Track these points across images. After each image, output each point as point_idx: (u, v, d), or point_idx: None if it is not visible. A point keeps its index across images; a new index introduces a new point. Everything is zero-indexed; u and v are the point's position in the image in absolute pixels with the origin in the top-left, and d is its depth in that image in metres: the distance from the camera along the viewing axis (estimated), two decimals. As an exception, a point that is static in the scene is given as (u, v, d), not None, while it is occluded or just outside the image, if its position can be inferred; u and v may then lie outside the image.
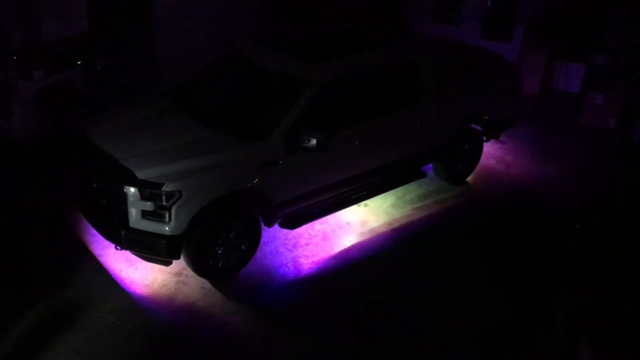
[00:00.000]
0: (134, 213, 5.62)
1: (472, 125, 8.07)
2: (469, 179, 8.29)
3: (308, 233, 6.95)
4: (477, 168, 8.36)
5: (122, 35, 8.91)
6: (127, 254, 6.21)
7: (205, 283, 6.15)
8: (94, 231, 6.26)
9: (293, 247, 6.75)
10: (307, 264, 6.53)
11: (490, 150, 8.96)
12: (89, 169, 6.06)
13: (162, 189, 5.49)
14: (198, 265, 5.98)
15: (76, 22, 7.99)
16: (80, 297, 5.89)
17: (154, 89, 8.76)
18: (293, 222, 6.55)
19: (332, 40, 7.22)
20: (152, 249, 5.74)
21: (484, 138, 8.19)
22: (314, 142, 5.94)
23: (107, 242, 6.14)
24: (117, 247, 5.90)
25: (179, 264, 6.17)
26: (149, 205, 5.56)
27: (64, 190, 7.02)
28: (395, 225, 7.29)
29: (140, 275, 6.20)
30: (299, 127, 6.02)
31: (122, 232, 5.70)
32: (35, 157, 7.94)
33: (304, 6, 11.33)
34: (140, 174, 5.58)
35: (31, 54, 7.71)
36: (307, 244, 6.80)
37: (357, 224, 7.22)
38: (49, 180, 7.53)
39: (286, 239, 6.83)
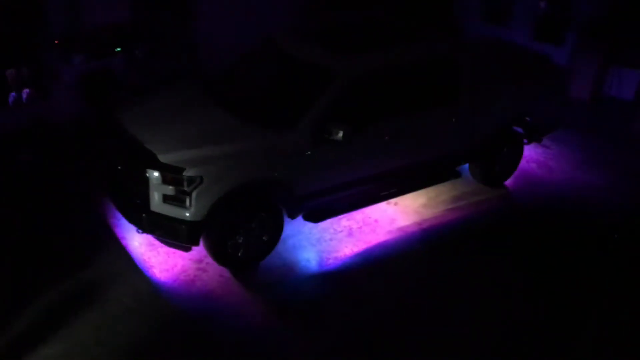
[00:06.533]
0: (155, 197, 5.60)
1: (514, 127, 7.75)
2: (507, 182, 7.96)
3: (333, 228, 6.80)
4: (517, 172, 8.01)
5: (163, 24, 8.98)
6: (150, 238, 6.22)
7: (224, 272, 6.09)
8: (119, 214, 6.30)
9: (317, 242, 6.61)
10: (330, 260, 6.38)
11: (532, 154, 8.60)
12: (114, 151, 6.09)
13: (184, 173, 5.45)
14: (217, 253, 5.92)
15: (118, 9, 8.08)
16: (101, 278, 5.93)
17: (189, 78, 8.78)
18: (317, 215, 6.41)
19: (366, 32, 7.04)
20: (172, 233, 5.71)
21: (525, 141, 7.84)
22: (340, 134, 5.80)
23: (131, 225, 6.15)
24: (139, 231, 5.89)
25: (201, 251, 6.13)
26: (170, 190, 5.53)
27: (95, 173, 7.09)
28: (425, 226, 7.05)
29: (162, 260, 6.19)
30: (326, 119, 5.89)
31: (143, 215, 5.70)
32: (73, 141, 8.07)
33: (351, 3, 11.18)
34: (163, 158, 5.56)
35: (72, 39, 7.85)
36: (331, 240, 6.65)
37: (385, 222, 7.02)
38: (83, 164, 7.63)
39: (310, 234, 6.69)
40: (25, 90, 7.71)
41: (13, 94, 7.63)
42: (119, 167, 5.96)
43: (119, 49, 8.36)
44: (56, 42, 7.70)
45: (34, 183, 7.26)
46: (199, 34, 9.47)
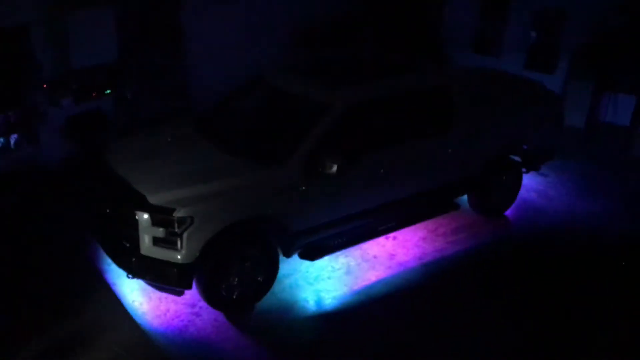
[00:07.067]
0: (145, 239, 5.40)
1: (511, 156, 7.62)
2: (507, 212, 7.78)
3: (331, 266, 6.59)
4: (517, 201, 7.85)
5: (153, 65, 8.91)
6: (141, 283, 5.99)
7: (219, 316, 5.84)
8: (109, 259, 6.07)
9: (314, 280, 6.38)
10: (328, 299, 6.15)
11: (531, 183, 8.45)
12: (102, 194, 5.91)
13: (174, 214, 5.27)
14: (211, 296, 5.69)
15: (106, 51, 7.99)
16: (91, 326, 5.67)
17: (179, 117, 8.69)
18: (314, 253, 6.21)
19: (357, 65, 6.98)
20: (162, 277, 5.50)
21: (524, 169, 7.71)
22: (334, 168, 5.64)
23: (121, 270, 5.92)
24: (129, 276, 5.66)
25: (195, 295, 5.89)
26: (160, 232, 5.34)
27: (83, 217, 6.89)
28: (426, 260, 6.84)
29: (154, 305, 5.95)
30: (319, 152, 5.74)
31: (133, 259, 5.49)
32: (62, 183, 7.90)
33: (338, 38, 11.19)
34: (152, 199, 5.38)
35: (61, 82, 7.75)
36: (329, 278, 6.43)
37: (384, 257, 6.81)
38: (72, 208, 7.43)
39: (307, 272, 6.48)
40: (13, 135, 7.57)
41: (1, 138, 7.49)
42: (108, 210, 5.77)
43: (108, 91, 8.25)
44: (45, 85, 7.59)
45: (21, 228, 7.05)
46: (190, 74, 9.41)
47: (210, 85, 9.18)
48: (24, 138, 7.66)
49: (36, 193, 7.57)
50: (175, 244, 5.34)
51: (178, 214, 5.27)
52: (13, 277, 6.27)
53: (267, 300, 6.01)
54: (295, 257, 6.21)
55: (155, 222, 5.32)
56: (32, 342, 5.40)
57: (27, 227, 7.09)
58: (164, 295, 5.94)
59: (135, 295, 6.07)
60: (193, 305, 5.95)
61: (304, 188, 5.79)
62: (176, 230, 5.29)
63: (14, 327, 5.60)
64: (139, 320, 5.77)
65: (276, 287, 6.12)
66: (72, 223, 7.15)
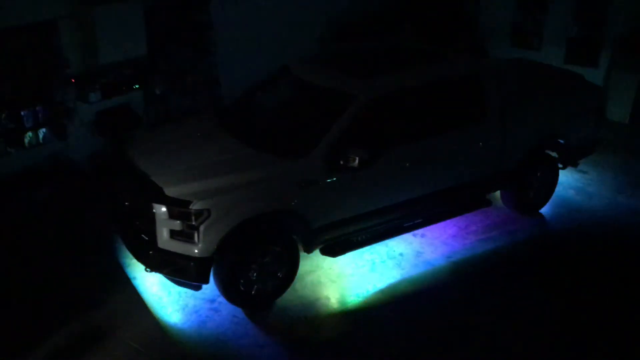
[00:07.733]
0: (162, 233, 5.31)
1: (547, 151, 7.26)
2: (542, 210, 7.42)
3: (355, 263, 6.39)
4: (553, 199, 7.48)
5: (182, 60, 8.86)
6: (161, 277, 5.91)
7: (238, 312, 5.72)
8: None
9: (337, 277, 6.19)
10: (351, 297, 5.95)
11: (569, 180, 8.05)
12: (122, 187, 5.87)
13: (190, 206, 5.16)
14: (229, 291, 5.57)
15: (135, 46, 7.96)
16: (110, 320, 5.63)
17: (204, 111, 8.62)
18: (336, 249, 6.02)
19: (383, 56, 6.76)
20: (180, 271, 5.40)
21: (560, 165, 7.34)
22: (356, 161, 5.45)
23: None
24: (147, 269, 5.59)
25: (214, 290, 5.77)
26: (177, 225, 5.24)
27: (106, 210, 6.89)
28: (455, 258, 6.56)
29: (173, 300, 5.87)
30: (342, 145, 5.56)
31: (150, 252, 5.40)
32: (91, 179, 7.92)
33: (376, 32, 10.97)
34: (169, 191, 5.29)
35: (89, 77, 7.76)
36: (352, 275, 6.23)
37: (411, 255, 6.56)
38: (98, 202, 7.43)
39: (330, 269, 6.29)
40: (42, 130, 7.62)
41: (29, 133, 7.55)
42: (126, 203, 5.71)
43: (137, 86, 8.24)
44: (72, 80, 7.62)
45: (48, 222, 7.08)
46: (220, 70, 9.32)
47: (242, 81, 9.08)
48: (53, 133, 7.69)
49: (64, 188, 7.59)
50: (192, 237, 5.23)
51: (194, 206, 5.16)
52: (36, 271, 6.28)
53: (287, 297, 5.85)
54: (319, 254, 6.03)
55: (171, 214, 5.23)
56: (52, 336, 5.39)
57: (53, 222, 7.11)
58: (183, 290, 5.85)
59: (155, 289, 6.00)
60: (212, 301, 5.84)
61: (326, 181, 5.61)
62: (193, 223, 5.18)
63: (35, 320, 5.60)
64: (157, 314, 5.70)
65: (297, 283, 5.96)
66: (96, 217, 7.15)
